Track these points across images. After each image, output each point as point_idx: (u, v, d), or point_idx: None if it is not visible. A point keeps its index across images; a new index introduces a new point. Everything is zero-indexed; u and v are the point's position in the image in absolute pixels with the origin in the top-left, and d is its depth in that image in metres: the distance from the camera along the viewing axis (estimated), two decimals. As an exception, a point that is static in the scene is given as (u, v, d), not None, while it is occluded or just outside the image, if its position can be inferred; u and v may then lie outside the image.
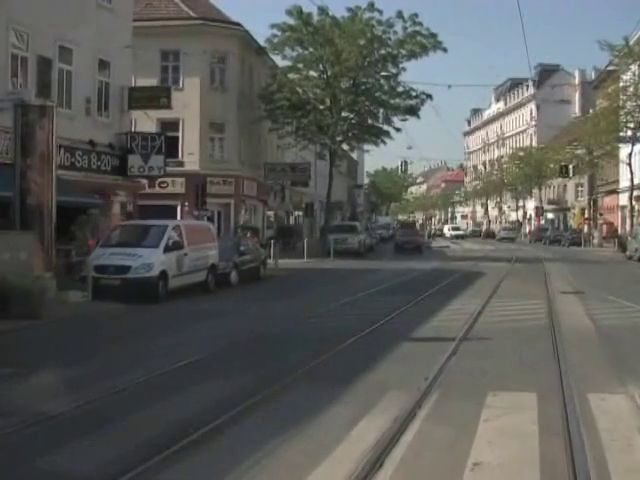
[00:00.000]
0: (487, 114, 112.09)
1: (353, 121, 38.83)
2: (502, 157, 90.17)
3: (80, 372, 8.46)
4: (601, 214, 57.51)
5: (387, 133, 39.57)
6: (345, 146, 44.90)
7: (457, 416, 6.54)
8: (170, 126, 31.48)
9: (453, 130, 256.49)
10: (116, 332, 12.42)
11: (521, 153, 77.44)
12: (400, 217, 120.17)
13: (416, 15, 36.24)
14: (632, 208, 45.30)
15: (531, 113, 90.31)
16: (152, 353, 9.96)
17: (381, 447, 5.55)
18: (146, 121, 29.56)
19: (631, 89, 41.29)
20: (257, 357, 9.69)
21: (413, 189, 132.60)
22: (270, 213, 43.30)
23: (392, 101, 38.40)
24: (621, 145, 46.23)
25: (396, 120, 39.25)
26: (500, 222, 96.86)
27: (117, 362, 9.36)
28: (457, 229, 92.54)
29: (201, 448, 5.66)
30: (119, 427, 6.32)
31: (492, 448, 5.69)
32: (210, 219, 28.77)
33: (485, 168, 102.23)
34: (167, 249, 17.43)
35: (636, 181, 44.40)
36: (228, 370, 8.74)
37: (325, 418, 6.52)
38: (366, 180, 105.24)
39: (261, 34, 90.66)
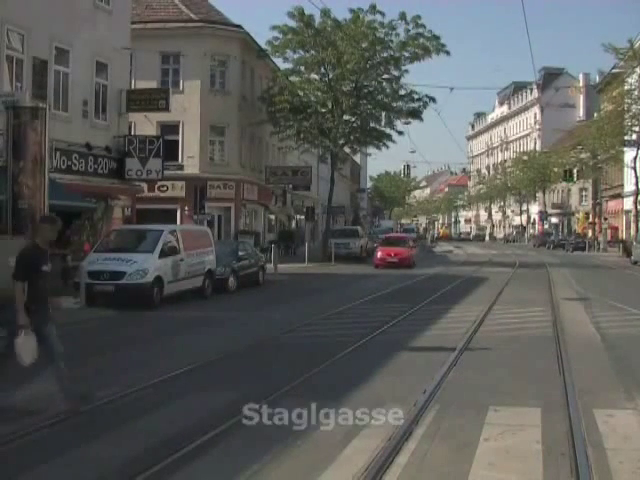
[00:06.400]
0: (491, 118, 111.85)
1: (355, 124, 38.48)
2: (506, 161, 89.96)
3: (49, 388, 8.04)
4: (605, 218, 57.16)
5: (389, 136, 39.20)
6: (347, 149, 44.56)
7: (456, 435, 6.18)
8: (170, 129, 31.27)
9: (456, 134, 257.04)
10: (102, 341, 12.01)
11: (525, 157, 77.22)
12: (403, 221, 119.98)
13: (419, 17, 35.89)
14: (637, 212, 44.87)
15: (535, 117, 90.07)
16: (133, 365, 9.54)
17: (373, 470, 5.20)
18: (146, 124, 29.37)
19: (636, 92, 41.00)
20: (246, 369, 9.31)
21: (416, 193, 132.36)
22: (271, 217, 43.03)
23: (394, 104, 38.02)
24: (626, 149, 45.88)
25: (399, 123, 38.95)
26: (504, 226, 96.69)
27: (96, 374, 8.93)
28: None
29: (184, 469, 5.33)
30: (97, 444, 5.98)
31: (493, 471, 5.33)
32: (210, 223, 28.47)
33: (489, 172, 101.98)
34: (163, 254, 17.09)
35: (641, 185, 44.00)
36: (214, 384, 8.35)
37: (314, 437, 6.15)
38: (369, 184, 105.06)
39: (262, 36, 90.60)
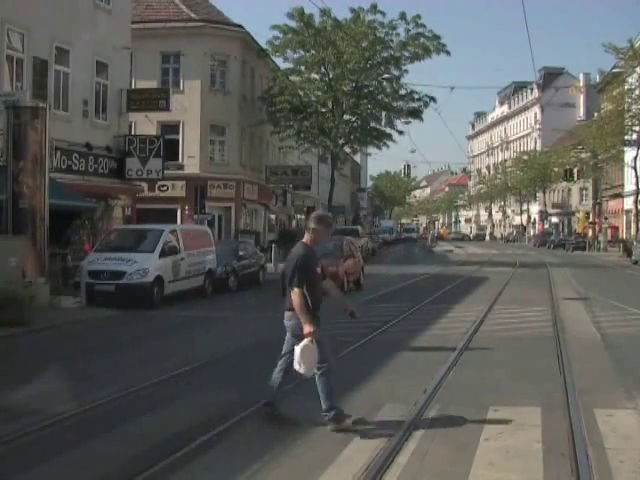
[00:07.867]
0: (491, 117, 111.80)
1: (355, 124, 38.50)
2: (506, 161, 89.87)
3: (49, 387, 8.06)
4: (606, 218, 57.13)
5: (390, 136, 39.24)
6: (347, 149, 44.54)
7: (456, 435, 6.17)
8: (170, 129, 31.26)
9: (457, 133, 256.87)
10: (102, 341, 12.03)
11: (525, 157, 77.15)
12: (404, 221, 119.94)
13: (419, 17, 35.96)
14: (637, 212, 44.86)
15: (535, 117, 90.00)
16: (134, 364, 9.53)
17: (373, 470, 5.20)
18: (146, 124, 29.36)
19: (636, 92, 40.94)
20: (246, 369, 9.27)
21: (416, 193, 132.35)
22: (272, 217, 43.01)
23: (395, 104, 38.06)
24: (626, 148, 45.86)
25: (399, 123, 38.96)
26: (504, 226, 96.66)
27: (96, 374, 8.94)
28: None
29: (184, 469, 5.34)
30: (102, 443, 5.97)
31: (493, 470, 5.32)
32: (210, 223, 28.45)
33: (489, 172, 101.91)
34: (163, 254, 17.09)
35: (641, 185, 43.96)
36: (214, 384, 8.33)
37: (314, 436, 6.15)
38: (369, 184, 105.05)
39: (262, 36, 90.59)
